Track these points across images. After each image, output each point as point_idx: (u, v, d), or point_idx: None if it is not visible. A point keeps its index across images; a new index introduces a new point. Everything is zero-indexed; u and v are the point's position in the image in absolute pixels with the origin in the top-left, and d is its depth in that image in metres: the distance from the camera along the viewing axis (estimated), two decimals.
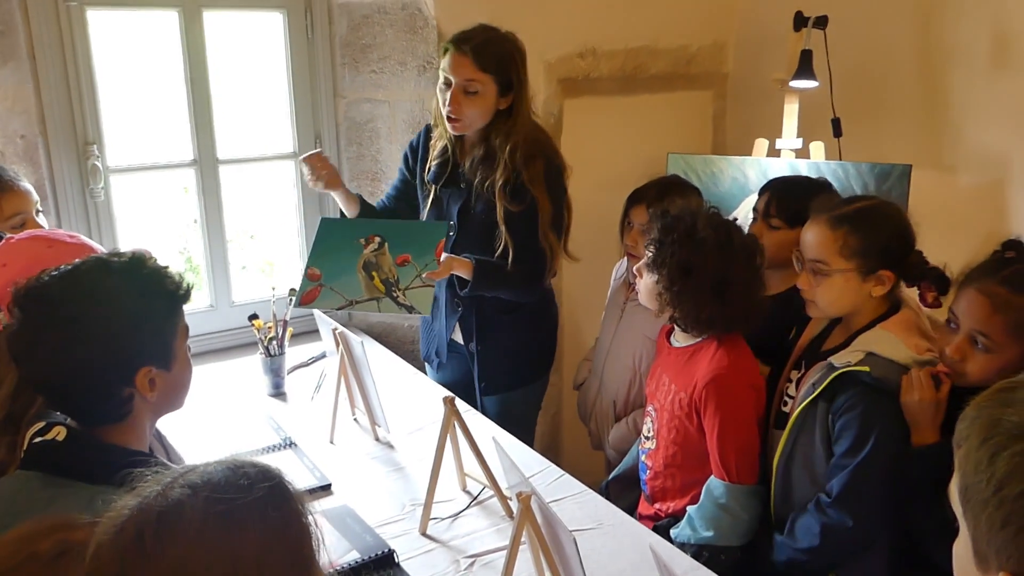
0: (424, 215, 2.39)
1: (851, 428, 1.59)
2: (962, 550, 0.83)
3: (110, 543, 0.78)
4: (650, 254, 1.85)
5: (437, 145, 2.33)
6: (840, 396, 1.61)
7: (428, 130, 2.39)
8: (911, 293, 1.77)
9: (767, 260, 1.90)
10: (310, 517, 0.86)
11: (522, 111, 2.22)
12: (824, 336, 1.82)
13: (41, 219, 2.09)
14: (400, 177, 2.50)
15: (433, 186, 2.34)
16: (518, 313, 2.36)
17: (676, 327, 1.93)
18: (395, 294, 2.13)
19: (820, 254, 1.69)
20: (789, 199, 2.09)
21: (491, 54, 2.15)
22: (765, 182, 2.26)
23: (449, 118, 2.19)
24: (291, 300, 2.38)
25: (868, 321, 1.69)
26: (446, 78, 2.17)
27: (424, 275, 2.13)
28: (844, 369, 1.59)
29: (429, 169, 2.34)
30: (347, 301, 2.14)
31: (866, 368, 1.57)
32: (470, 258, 2.22)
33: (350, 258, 2.18)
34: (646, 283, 1.87)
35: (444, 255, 2.16)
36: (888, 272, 1.66)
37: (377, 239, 2.18)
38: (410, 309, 2.13)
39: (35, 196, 2.10)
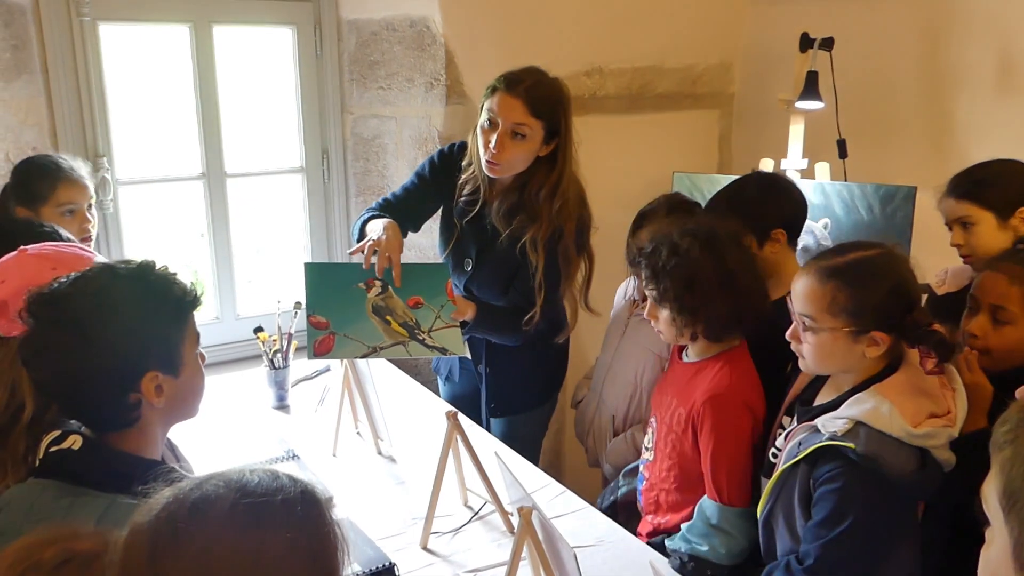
0: (446, 251, 2.33)
1: (829, 501, 1.49)
2: (998, 555, 0.80)
3: (144, 525, 0.81)
4: (653, 293, 1.82)
5: (469, 183, 2.24)
6: (822, 464, 1.51)
7: (462, 149, 2.27)
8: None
9: None
10: (338, 530, 0.87)
11: (568, 163, 2.15)
12: (818, 383, 1.71)
13: (93, 212, 2.16)
14: (419, 185, 2.33)
15: (459, 224, 2.28)
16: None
17: (694, 342, 1.88)
18: (420, 337, 2.07)
19: (808, 308, 1.54)
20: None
21: (543, 98, 2.06)
22: None
23: (489, 160, 2.10)
24: (296, 312, 2.39)
25: (862, 379, 1.55)
26: (492, 119, 2.08)
27: (450, 315, 2.08)
28: (829, 443, 1.49)
29: (457, 204, 2.27)
30: (370, 348, 2.04)
31: (851, 445, 1.45)
32: (473, 300, 2.19)
33: (355, 304, 2.06)
34: (664, 320, 1.83)
35: (456, 294, 2.13)
36: (882, 334, 1.50)
37: (378, 283, 2.07)
38: (443, 351, 2.07)
39: (91, 191, 2.16)
